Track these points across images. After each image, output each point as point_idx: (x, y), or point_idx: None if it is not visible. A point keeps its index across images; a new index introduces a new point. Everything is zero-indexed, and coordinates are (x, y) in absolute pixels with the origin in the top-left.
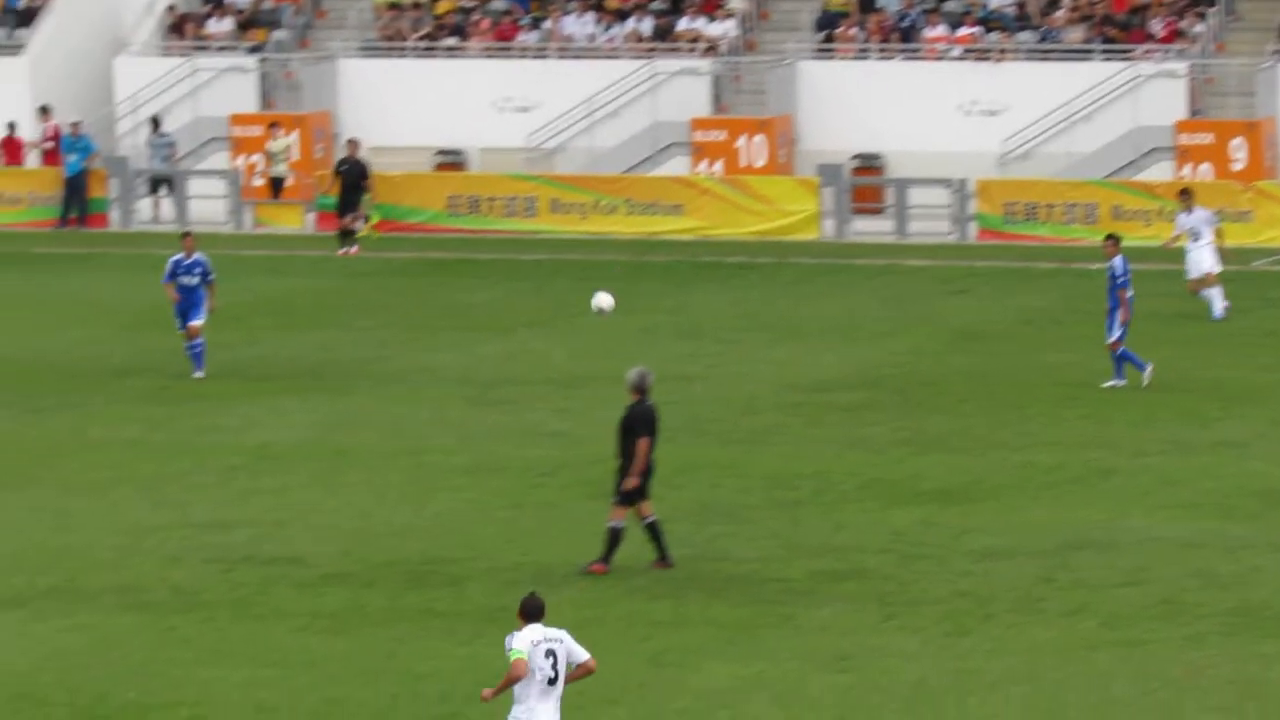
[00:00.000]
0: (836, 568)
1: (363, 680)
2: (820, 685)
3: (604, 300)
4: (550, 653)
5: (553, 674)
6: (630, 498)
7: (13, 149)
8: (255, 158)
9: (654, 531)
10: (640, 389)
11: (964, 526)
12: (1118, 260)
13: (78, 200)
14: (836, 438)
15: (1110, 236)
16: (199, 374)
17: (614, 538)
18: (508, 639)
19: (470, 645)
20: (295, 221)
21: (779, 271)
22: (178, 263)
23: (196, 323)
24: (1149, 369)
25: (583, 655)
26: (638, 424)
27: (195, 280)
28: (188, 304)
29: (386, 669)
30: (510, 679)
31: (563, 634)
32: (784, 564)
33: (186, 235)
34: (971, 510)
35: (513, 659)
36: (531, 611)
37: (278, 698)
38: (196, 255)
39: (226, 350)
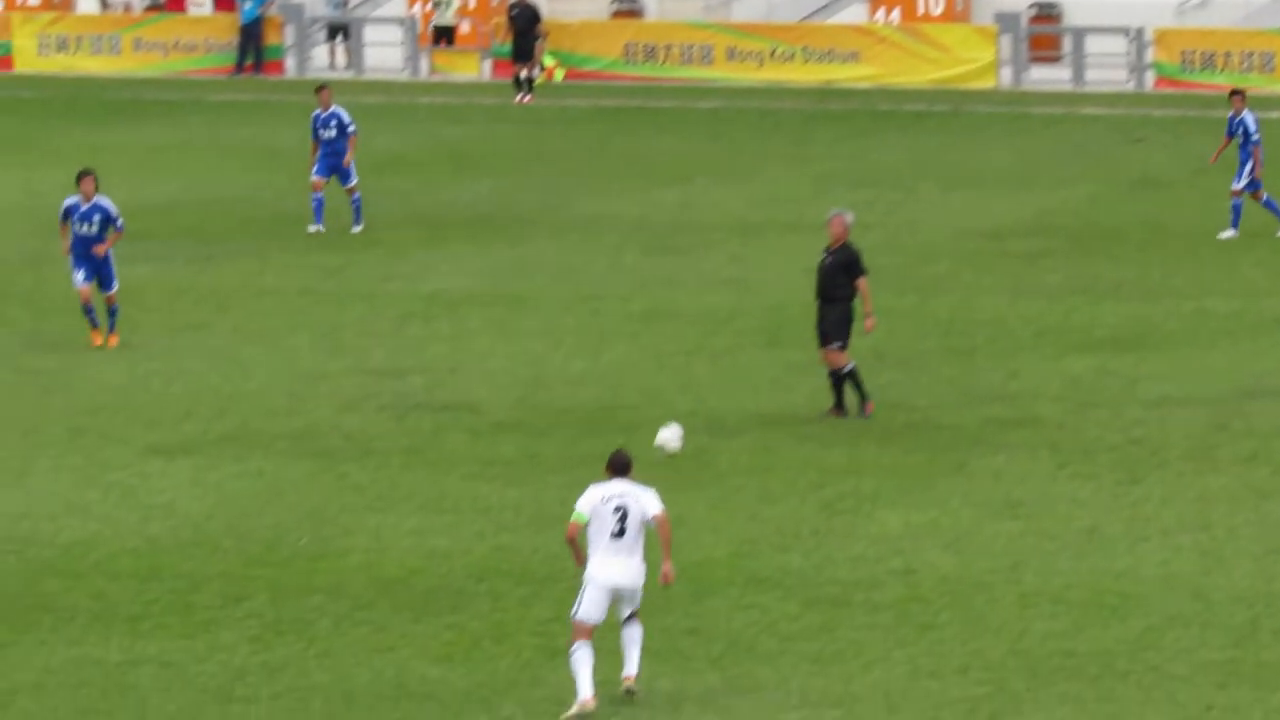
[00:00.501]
0: (1010, 415)
1: (534, 528)
2: (993, 532)
3: (670, 439)
4: (619, 508)
5: (618, 528)
6: (832, 340)
7: None
8: (431, 4)
9: (840, 380)
10: (846, 231)
11: (1137, 374)
12: (1248, 115)
13: (253, 47)
14: (1011, 285)
15: (1236, 92)
16: (356, 228)
17: (854, 378)
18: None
19: None
20: (471, 69)
21: (955, 120)
22: (316, 117)
23: (319, 179)
24: None
25: (654, 509)
26: (854, 265)
27: (333, 133)
28: (326, 156)
29: (559, 516)
30: (566, 538)
31: (641, 490)
32: (958, 411)
33: (321, 89)
34: (1145, 358)
35: (572, 520)
36: (615, 466)
37: (449, 545)
38: (334, 108)
39: (402, 197)
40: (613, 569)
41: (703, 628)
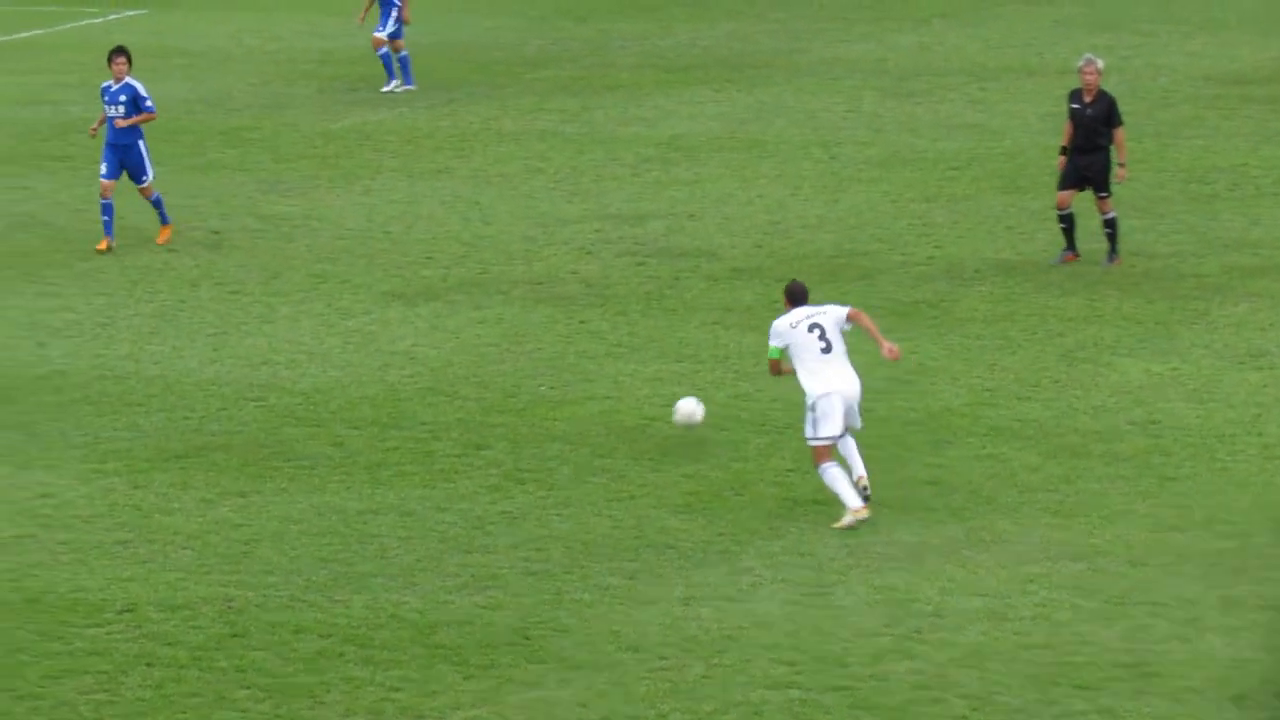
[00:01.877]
0: (1252, 263)
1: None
2: (1234, 381)
3: (687, 411)
4: (815, 326)
5: (823, 344)
6: (1101, 188)
7: None
8: None
9: (1070, 223)
10: (1099, 77)
11: None
12: None
13: None
14: (1253, 131)
15: None
16: (388, 86)
17: (1112, 227)
18: (770, 330)
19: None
20: None
21: None
22: None
23: (379, 34)
24: None
25: (843, 310)
26: (1113, 114)
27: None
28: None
29: None
30: (771, 374)
31: (828, 306)
32: (1199, 259)
33: None
34: None
35: (769, 358)
36: (795, 295)
37: (687, 392)
38: None
39: (642, 41)
40: (833, 381)
41: (943, 478)
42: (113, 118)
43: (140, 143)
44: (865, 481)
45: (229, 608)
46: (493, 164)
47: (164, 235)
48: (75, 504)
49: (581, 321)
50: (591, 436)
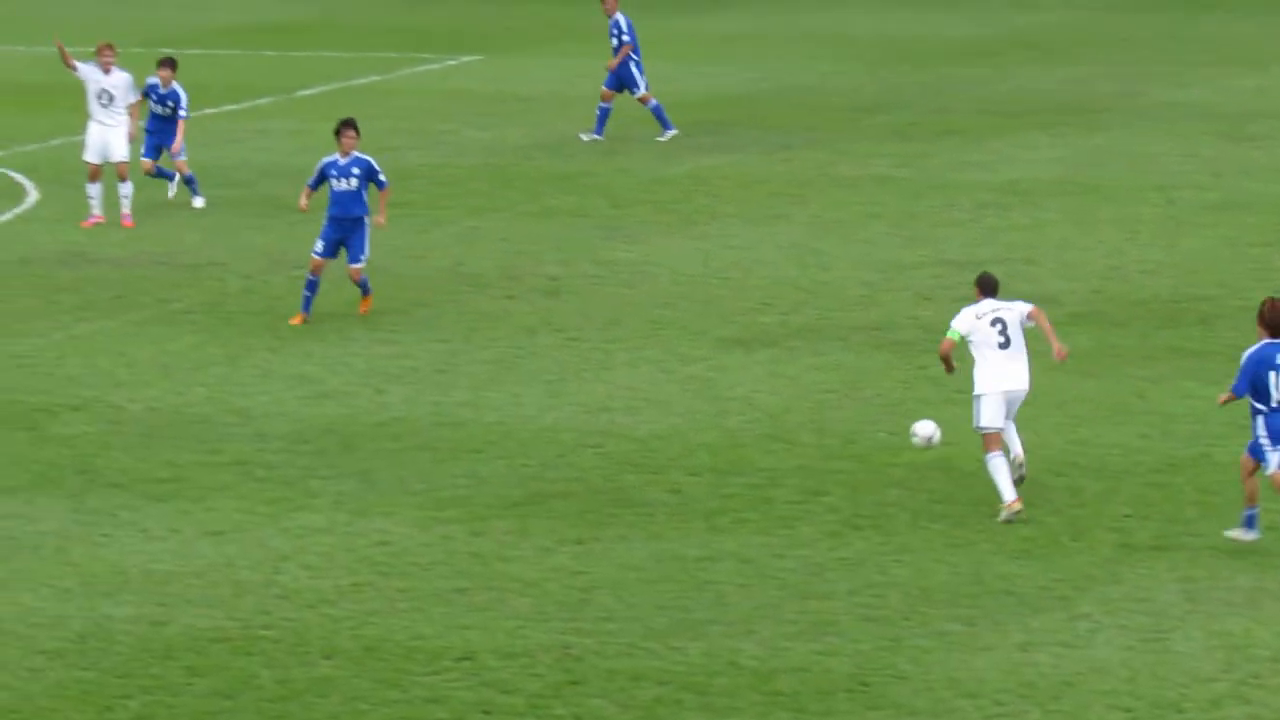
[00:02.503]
0: None
1: (1112, 421)
2: None
3: (925, 435)
4: (997, 320)
5: (1002, 339)
6: None
7: None
8: None
9: None
10: None
11: None
12: (620, 17)
13: None
14: None
15: None
16: (663, 136)
17: None
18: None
19: (1219, 384)
20: None
21: None
22: (615, 22)
23: (607, 89)
24: None
25: (1026, 307)
26: None
27: (615, 42)
28: (614, 70)
29: (1136, 409)
30: (940, 354)
31: (1014, 303)
32: None
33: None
34: None
35: (946, 338)
36: (986, 285)
37: (1027, 438)
38: (616, 15)
39: (979, 85)
40: (1007, 378)
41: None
42: (341, 191)
43: (367, 220)
44: (1022, 459)
45: (567, 655)
46: (830, 209)
47: (365, 306)
48: (413, 551)
49: (920, 367)
50: (929, 482)
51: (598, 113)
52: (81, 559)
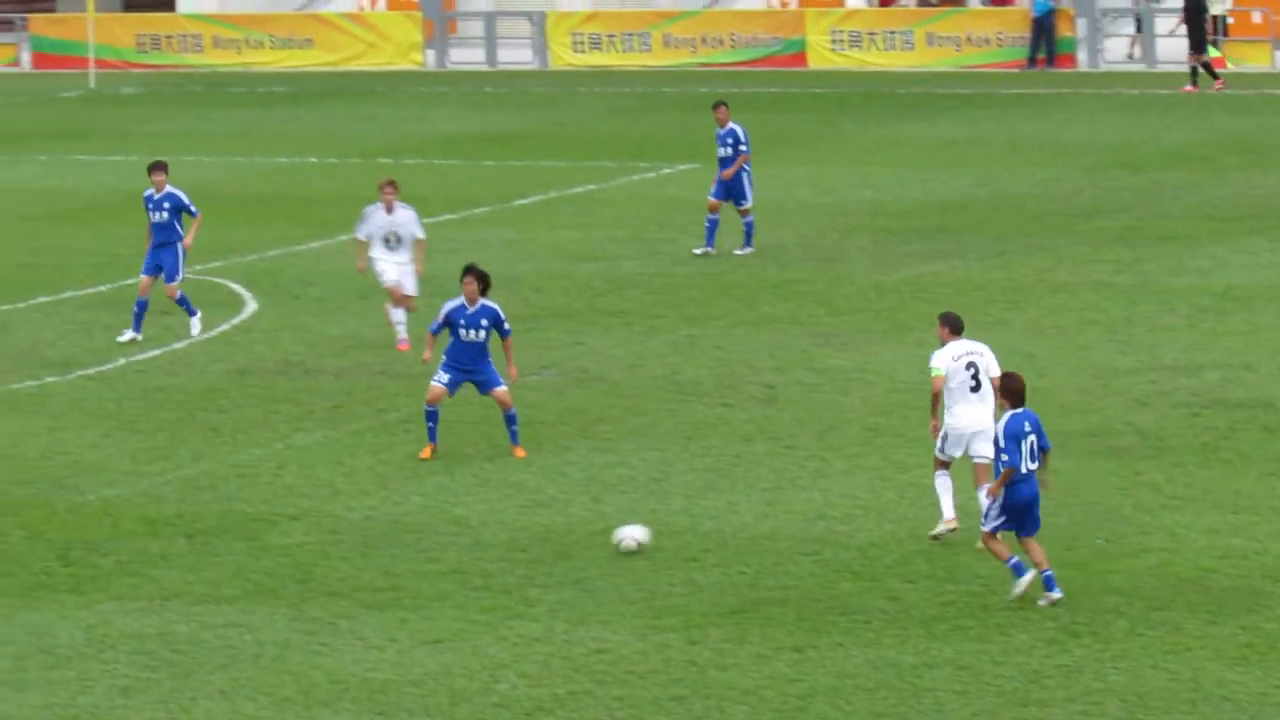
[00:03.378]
0: None
1: None
2: None
3: (632, 536)
4: (971, 364)
5: (973, 383)
6: None
7: None
8: None
9: None
10: None
11: None
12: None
13: (1045, 40)
14: None
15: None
16: (742, 250)
17: None
18: (932, 356)
19: None
20: (1263, 59)
21: None
22: (719, 135)
23: (714, 199)
24: None
25: (995, 370)
26: None
27: (729, 151)
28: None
29: None
30: (933, 393)
31: (983, 348)
32: None
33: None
34: None
35: (932, 375)
36: (954, 325)
37: (1244, 544)
38: (731, 125)
39: (1195, 190)
40: (972, 417)
41: None
42: (468, 342)
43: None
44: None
45: None
46: (1046, 315)
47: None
48: (630, 659)
49: (1137, 473)
50: (1147, 589)
51: (707, 225)
52: (300, 668)
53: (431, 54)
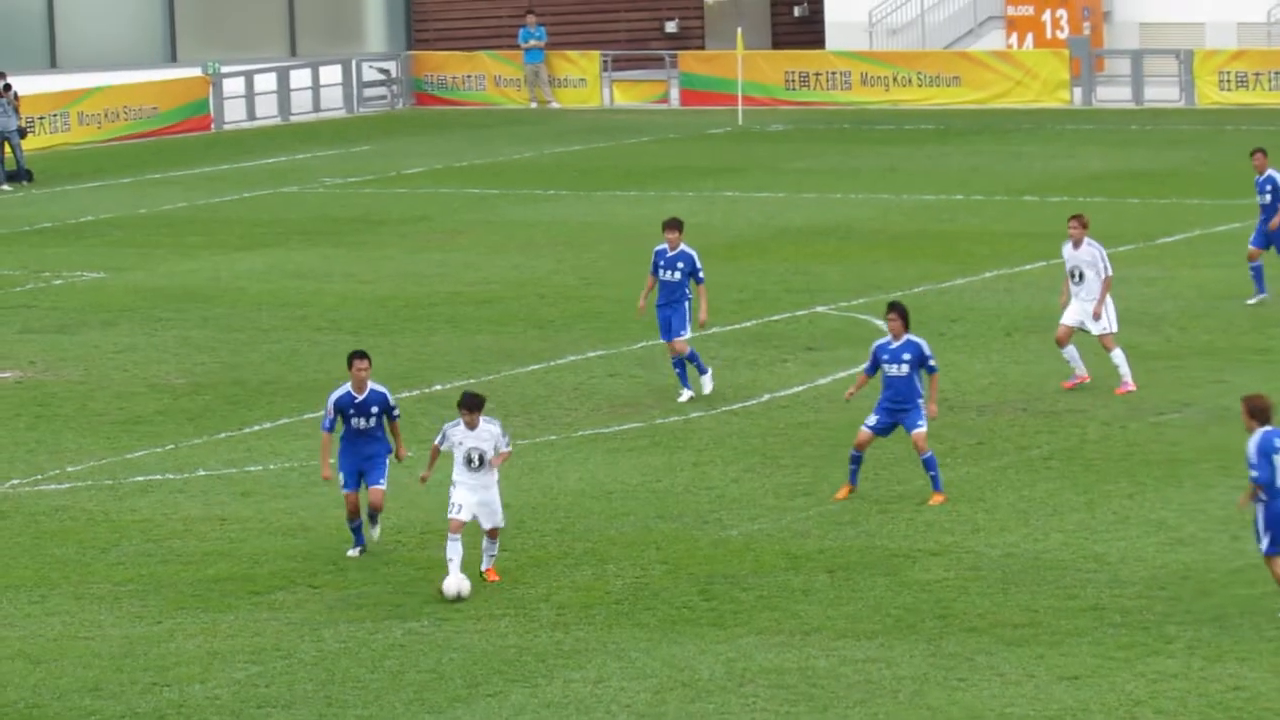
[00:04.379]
0: None
1: None
2: None
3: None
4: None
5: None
6: None
7: None
8: None
9: None
10: None
11: None
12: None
13: None
14: None
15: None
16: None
17: None
18: None
19: None
20: None
21: None
22: None
23: (1254, 248)
24: None
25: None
26: None
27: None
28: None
29: None
30: None
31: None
32: None
33: None
34: None
35: None
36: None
37: None
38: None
39: None
40: None
41: None
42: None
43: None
44: None
45: None
46: None
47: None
48: (1267, 696)
49: None
50: None
51: (1251, 273)
52: (938, 703)
53: (1078, 91)
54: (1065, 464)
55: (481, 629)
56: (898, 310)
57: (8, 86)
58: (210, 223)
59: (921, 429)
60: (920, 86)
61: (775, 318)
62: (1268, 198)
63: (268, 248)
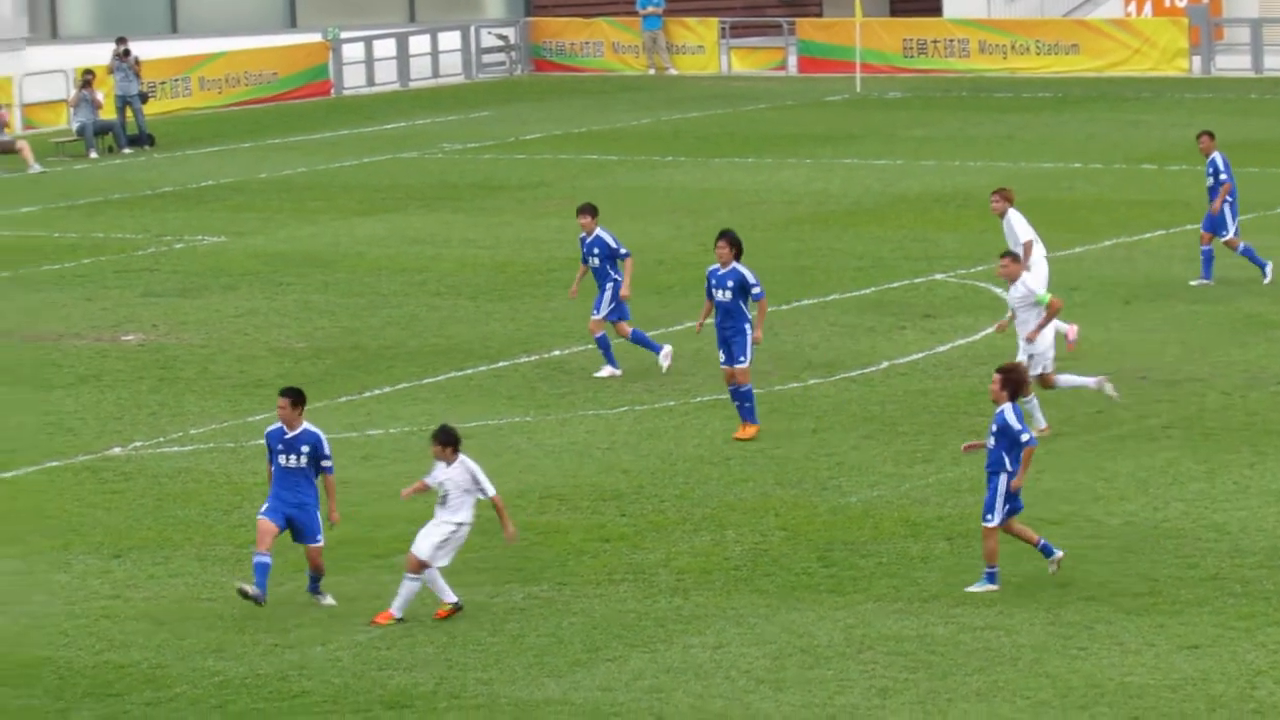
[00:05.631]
0: None
1: None
2: None
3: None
4: None
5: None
6: None
7: None
8: None
9: None
10: None
11: None
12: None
13: None
14: None
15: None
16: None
17: None
18: None
19: None
20: None
21: None
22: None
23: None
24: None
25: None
26: None
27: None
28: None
29: None
30: None
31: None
32: None
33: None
34: None
35: None
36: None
37: None
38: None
39: None
40: None
41: None
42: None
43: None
44: None
45: None
46: None
47: None
48: None
49: None
50: None
51: (1202, 257)
52: (1058, 671)
53: (1197, 60)
54: (1185, 433)
55: (601, 594)
56: (727, 237)
57: (128, 52)
58: (330, 188)
59: (742, 364)
60: (1038, 54)
61: (893, 285)
62: (1210, 180)
63: (387, 213)
